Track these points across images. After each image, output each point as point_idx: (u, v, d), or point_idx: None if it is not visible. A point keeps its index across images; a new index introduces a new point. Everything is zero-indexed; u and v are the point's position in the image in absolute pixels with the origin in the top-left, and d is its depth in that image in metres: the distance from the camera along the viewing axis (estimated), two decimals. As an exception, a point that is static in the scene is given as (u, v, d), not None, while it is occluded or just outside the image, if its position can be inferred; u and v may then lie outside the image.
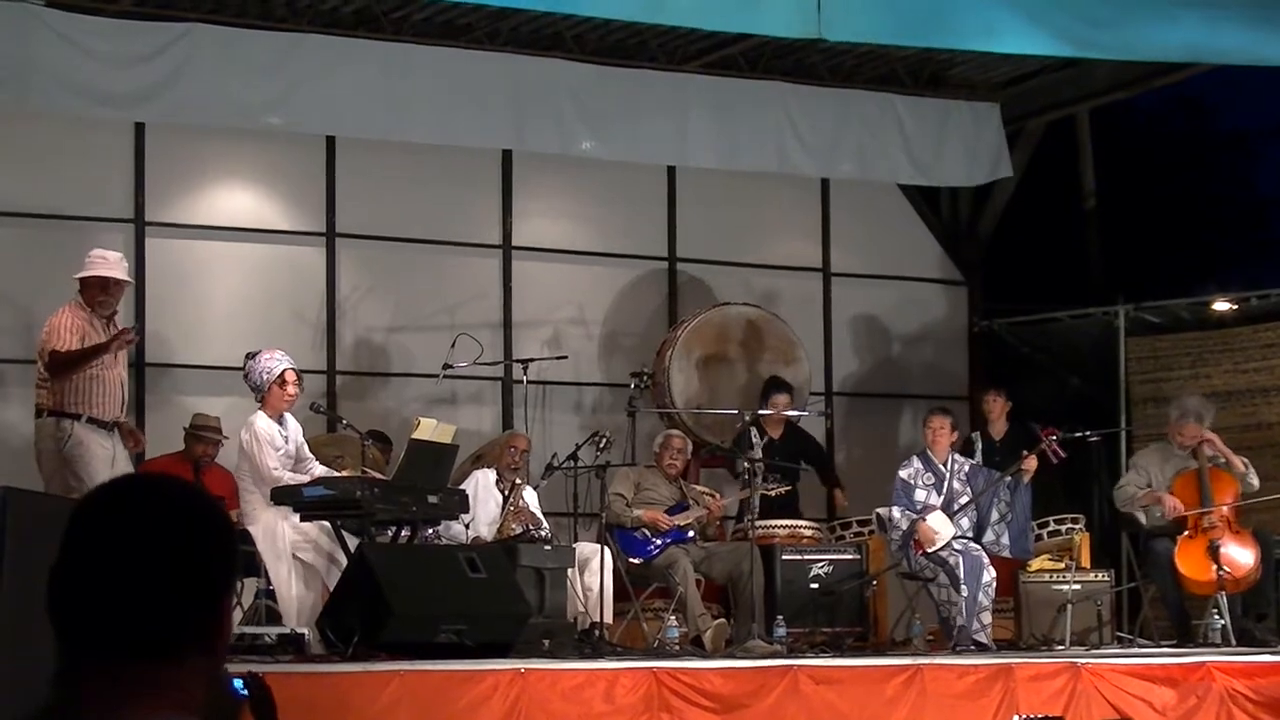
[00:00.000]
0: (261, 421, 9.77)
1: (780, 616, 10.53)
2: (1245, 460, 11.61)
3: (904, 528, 10.97)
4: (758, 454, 11.64)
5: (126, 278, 9.82)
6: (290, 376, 9.87)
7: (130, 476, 2.28)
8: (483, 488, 10.89)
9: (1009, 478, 11.05)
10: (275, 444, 9.72)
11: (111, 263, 9.67)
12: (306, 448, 10.02)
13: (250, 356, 9.93)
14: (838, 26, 10.80)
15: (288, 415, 9.97)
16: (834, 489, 12.82)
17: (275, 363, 9.85)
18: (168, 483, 2.22)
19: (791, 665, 9.22)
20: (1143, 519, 11.67)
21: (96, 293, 9.55)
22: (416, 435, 9.87)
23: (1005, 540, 11.08)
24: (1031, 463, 10.99)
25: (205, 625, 2.17)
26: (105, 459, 9.34)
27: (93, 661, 2.13)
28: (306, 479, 9.68)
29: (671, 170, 13.96)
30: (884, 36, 11.85)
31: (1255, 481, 11.54)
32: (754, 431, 11.89)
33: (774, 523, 11.62)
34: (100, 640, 2.13)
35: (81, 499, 2.20)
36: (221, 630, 2.20)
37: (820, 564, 11.29)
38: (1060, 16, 11.25)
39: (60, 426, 9.36)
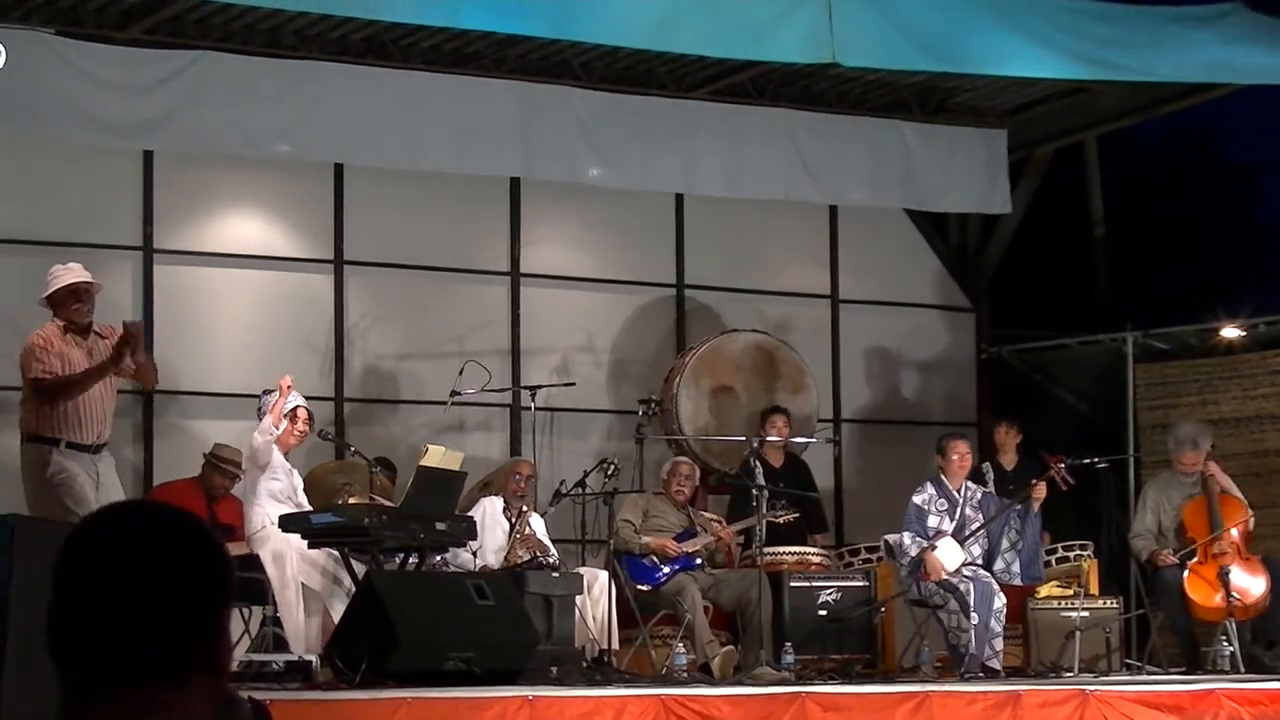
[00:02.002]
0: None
1: (788, 643, 10.53)
2: (1247, 505, 11.61)
3: (913, 554, 10.95)
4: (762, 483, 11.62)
5: (91, 278, 9.36)
6: (302, 414, 10.05)
7: (118, 504, 2.32)
8: (490, 515, 10.89)
9: (1019, 505, 11.04)
10: (273, 472, 9.77)
11: (74, 270, 9.32)
12: (305, 500, 10.04)
13: (267, 392, 10.03)
14: (852, 51, 10.79)
15: (294, 470, 10.05)
16: (815, 535, 12.33)
17: (291, 397, 9.93)
18: (155, 508, 2.25)
19: (800, 692, 9.20)
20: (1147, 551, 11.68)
21: (70, 302, 9.18)
22: (424, 462, 9.89)
23: (1016, 568, 11.06)
24: (1041, 490, 10.97)
25: (206, 645, 2.18)
26: (90, 484, 8.91)
27: (97, 689, 2.14)
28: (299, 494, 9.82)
29: (679, 197, 13.95)
30: (898, 61, 11.82)
31: (1252, 524, 11.54)
32: (753, 460, 11.82)
33: (782, 549, 11.60)
34: (104, 667, 2.14)
35: (72, 531, 2.21)
36: (222, 648, 2.21)
37: (829, 590, 11.29)
38: (1075, 41, 11.25)
39: (41, 452, 8.96)
